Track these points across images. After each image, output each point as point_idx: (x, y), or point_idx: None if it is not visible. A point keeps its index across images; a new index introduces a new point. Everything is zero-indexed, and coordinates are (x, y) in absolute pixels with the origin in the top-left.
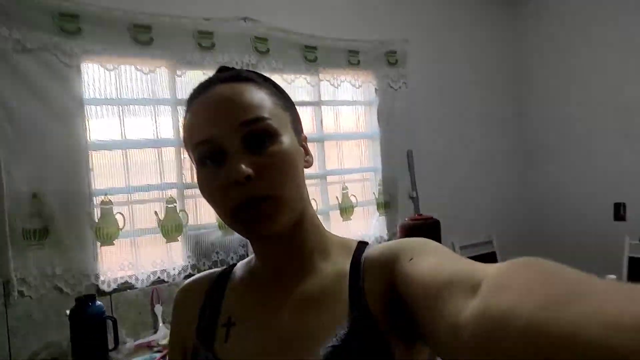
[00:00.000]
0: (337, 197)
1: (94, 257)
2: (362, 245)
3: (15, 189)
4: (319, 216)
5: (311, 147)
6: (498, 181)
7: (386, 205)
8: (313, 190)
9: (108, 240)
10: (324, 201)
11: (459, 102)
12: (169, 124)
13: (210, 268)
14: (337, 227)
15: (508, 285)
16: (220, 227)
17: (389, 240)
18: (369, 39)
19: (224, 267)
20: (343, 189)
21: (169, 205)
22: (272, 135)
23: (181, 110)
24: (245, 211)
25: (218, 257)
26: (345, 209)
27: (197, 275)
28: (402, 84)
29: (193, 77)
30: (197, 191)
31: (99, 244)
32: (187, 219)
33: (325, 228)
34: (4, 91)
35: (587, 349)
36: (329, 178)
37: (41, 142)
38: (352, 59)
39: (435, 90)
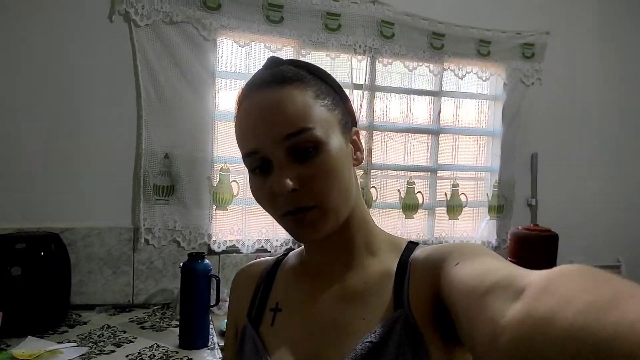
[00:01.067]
0: (445, 194)
1: (209, 219)
2: (411, 245)
3: (151, 148)
4: (424, 211)
5: (424, 138)
6: (637, 197)
7: (499, 209)
8: (421, 183)
9: (223, 204)
10: (431, 196)
11: (601, 104)
12: None
13: None
14: (442, 226)
15: (552, 291)
16: None
17: (497, 247)
18: (504, 28)
19: (279, 255)
20: (453, 186)
21: None
22: (316, 145)
23: None
24: (291, 218)
25: None
26: (453, 208)
27: (255, 261)
28: (535, 80)
29: (316, 58)
30: None
31: (214, 207)
32: None
33: (431, 223)
34: (152, 58)
35: (627, 355)
36: (440, 173)
37: (177, 107)
38: (482, 49)
39: (573, 90)
